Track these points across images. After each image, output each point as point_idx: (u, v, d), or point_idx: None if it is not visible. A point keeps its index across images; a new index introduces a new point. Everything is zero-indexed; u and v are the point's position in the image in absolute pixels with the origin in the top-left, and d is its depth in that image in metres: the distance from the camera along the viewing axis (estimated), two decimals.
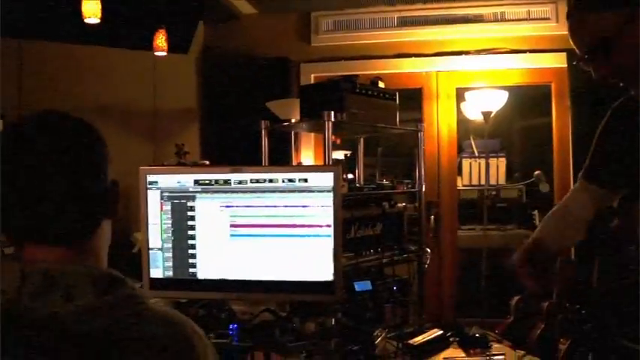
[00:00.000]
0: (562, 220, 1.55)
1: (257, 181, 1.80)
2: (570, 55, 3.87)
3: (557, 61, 3.96)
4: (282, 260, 1.79)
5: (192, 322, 0.91)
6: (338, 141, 4.51)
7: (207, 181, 1.83)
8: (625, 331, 1.20)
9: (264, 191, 1.79)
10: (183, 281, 1.84)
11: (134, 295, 0.88)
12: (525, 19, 4.09)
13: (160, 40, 3.60)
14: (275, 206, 1.79)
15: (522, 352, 3.41)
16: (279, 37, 4.39)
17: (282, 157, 3.89)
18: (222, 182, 1.82)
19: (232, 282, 1.82)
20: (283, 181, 1.78)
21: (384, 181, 2.68)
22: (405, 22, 4.21)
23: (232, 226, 1.82)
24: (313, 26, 4.33)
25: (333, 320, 1.98)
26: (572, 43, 1.33)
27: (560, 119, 4.08)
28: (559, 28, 3.93)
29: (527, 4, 4.06)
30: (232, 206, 1.82)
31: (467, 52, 4.14)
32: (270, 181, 1.79)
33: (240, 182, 1.81)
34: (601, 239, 1.21)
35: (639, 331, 1.17)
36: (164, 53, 3.68)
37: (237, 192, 1.81)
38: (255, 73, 4.22)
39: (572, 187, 3.99)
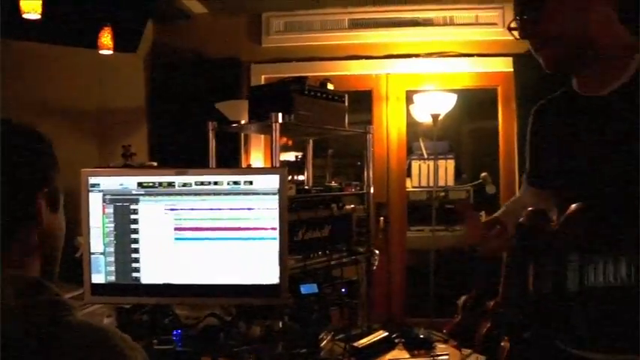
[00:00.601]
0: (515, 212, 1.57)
1: (202, 183, 1.78)
2: (516, 59, 3.98)
3: (504, 65, 4.06)
4: (227, 264, 1.77)
5: (118, 330, 0.89)
6: (290, 142, 4.50)
7: (150, 184, 1.80)
8: (561, 335, 1.22)
9: (209, 194, 1.77)
10: (126, 286, 1.80)
11: (57, 302, 0.86)
12: (474, 24, 4.17)
13: (106, 38, 3.52)
14: (220, 209, 1.77)
15: (469, 350, 3.49)
16: (230, 38, 4.35)
17: (231, 159, 3.85)
18: (166, 185, 1.79)
19: (177, 286, 1.79)
20: (228, 184, 1.76)
21: (333, 183, 2.67)
22: (356, 25, 4.23)
23: (177, 229, 1.79)
24: (264, 27, 4.31)
25: (279, 323, 1.97)
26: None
27: (506, 122, 4.18)
28: (506, 34, 3.97)
29: (476, 9, 4.15)
30: (177, 209, 1.79)
31: (416, 55, 4.19)
32: (216, 183, 1.77)
33: (184, 185, 1.78)
34: (535, 242, 1.23)
35: (575, 335, 1.20)
36: (110, 52, 3.59)
37: (181, 195, 1.79)
38: (205, 73, 4.17)
39: (517, 188, 4.13)
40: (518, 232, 1.26)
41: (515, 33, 1.31)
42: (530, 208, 1.39)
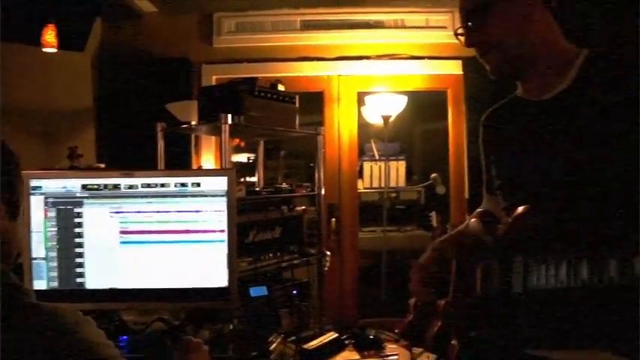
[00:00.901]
0: None
1: (148, 185, 1.75)
2: (465, 62, 4.05)
3: (454, 68, 4.12)
4: (175, 267, 1.75)
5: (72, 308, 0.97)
6: (242, 144, 4.47)
7: (95, 186, 1.76)
8: (505, 334, 1.24)
9: (155, 196, 1.74)
10: (70, 292, 1.75)
11: (12, 285, 0.91)
12: (424, 27, 4.23)
13: (50, 35, 3.41)
14: (167, 212, 1.74)
15: (420, 349, 3.53)
16: (181, 38, 4.28)
17: (182, 161, 3.80)
18: (111, 187, 1.75)
19: (123, 291, 1.75)
20: (176, 186, 1.74)
21: (284, 185, 2.67)
22: (308, 26, 4.23)
23: (122, 232, 1.75)
24: (215, 27, 4.27)
25: (229, 327, 1.95)
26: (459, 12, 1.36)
27: (455, 124, 4.25)
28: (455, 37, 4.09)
29: (426, 12, 4.20)
30: (122, 212, 1.75)
31: (368, 57, 4.22)
32: (163, 185, 1.74)
33: (130, 187, 1.75)
34: (481, 244, 1.26)
35: (519, 335, 1.23)
36: (54, 50, 3.49)
37: (127, 197, 1.75)
38: (155, 73, 4.10)
39: (466, 188, 4.20)
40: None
41: (462, 39, 1.34)
42: (477, 210, 1.42)
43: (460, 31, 1.35)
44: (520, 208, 1.18)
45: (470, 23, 1.30)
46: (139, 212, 1.74)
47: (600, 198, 1.16)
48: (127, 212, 1.75)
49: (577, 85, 1.23)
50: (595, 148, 1.16)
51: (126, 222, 1.75)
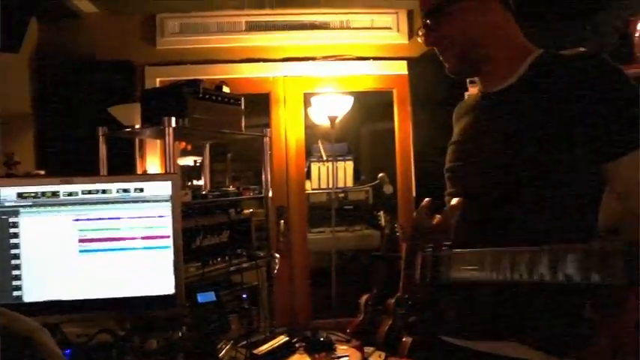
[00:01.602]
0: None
1: (89, 192, 1.69)
2: (410, 63, 4.10)
3: (399, 68, 4.16)
4: (119, 276, 1.70)
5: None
6: (189, 147, 4.39)
7: (32, 194, 1.69)
8: (437, 324, 1.27)
9: (97, 203, 1.69)
10: (6, 307, 1.67)
11: None
12: (369, 28, 4.25)
13: None
14: (110, 218, 1.69)
15: (372, 348, 3.56)
16: (123, 39, 4.17)
17: (127, 166, 3.71)
18: (49, 195, 1.69)
19: (64, 303, 1.69)
20: (118, 192, 1.69)
21: (231, 188, 2.63)
22: (253, 27, 4.20)
23: (63, 241, 1.69)
24: (159, 29, 4.18)
25: (177, 335, 1.91)
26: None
27: (402, 124, 4.29)
28: (400, 38, 4.15)
29: (371, 13, 4.23)
30: (62, 220, 1.69)
31: (313, 58, 4.21)
32: (104, 192, 1.68)
33: (70, 194, 1.69)
34: (422, 234, 1.28)
35: (447, 324, 1.26)
36: None
37: (67, 205, 1.69)
38: (96, 76, 3.98)
39: (413, 188, 4.25)
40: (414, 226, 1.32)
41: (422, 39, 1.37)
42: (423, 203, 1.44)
43: (421, 32, 1.38)
44: (453, 201, 1.21)
45: (429, 22, 1.33)
46: (79, 220, 1.68)
47: (532, 193, 1.19)
48: (68, 220, 1.68)
49: (521, 82, 1.28)
50: (529, 144, 1.19)
51: (66, 230, 1.69)
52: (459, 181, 1.38)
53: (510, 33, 1.34)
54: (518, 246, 1.09)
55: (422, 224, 1.29)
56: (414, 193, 4.15)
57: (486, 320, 1.22)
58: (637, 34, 3.35)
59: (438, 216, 1.27)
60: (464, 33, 1.30)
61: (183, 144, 4.12)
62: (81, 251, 1.68)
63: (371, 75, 4.28)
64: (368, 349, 3.50)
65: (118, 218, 1.68)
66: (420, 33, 1.37)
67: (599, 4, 3.69)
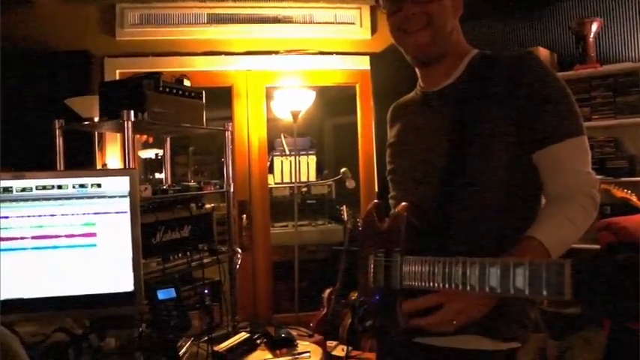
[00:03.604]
0: None
1: (44, 187, 1.64)
2: (373, 58, 4.12)
3: (362, 63, 4.18)
4: (77, 273, 1.65)
5: None
6: (150, 140, 4.32)
7: None
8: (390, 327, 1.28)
9: (51, 199, 1.64)
10: None
11: None
12: (333, 23, 4.25)
13: None
14: (66, 214, 1.64)
15: (335, 342, 3.58)
16: (81, 29, 4.06)
17: (86, 160, 3.63)
18: (1, 190, 1.63)
19: (19, 302, 1.64)
20: (74, 187, 1.64)
21: (192, 182, 2.60)
22: (216, 20, 4.15)
23: (16, 239, 1.64)
24: (118, 19, 4.09)
25: (137, 332, 1.88)
26: None
27: (364, 118, 4.31)
28: (363, 33, 4.16)
29: (335, 8, 4.22)
30: (15, 217, 1.63)
31: (276, 52, 4.19)
32: (60, 187, 1.64)
33: (24, 190, 1.63)
34: (373, 239, 1.28)
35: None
36: None
37: (20, 201, 1.63)
38: (53, 66, 3.87)
39: (375, 182, 4.27)
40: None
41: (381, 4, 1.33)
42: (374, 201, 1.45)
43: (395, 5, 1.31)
44: (400, 205, 1.22)
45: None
46: (34, 216, 1.63)
47: (472, 193, 1.21)
48: (22, 217, 1.63)
49: (459, 82, 1.30)
50: (468, 144, 1.21)
51: (21, 227, 1.63)
52: (401, 184, 1.39)
53: (460, 32, 1.36)
54: (461, 246, 1.12)
55: (372, 228, 1.29)
56: (376, 188, 4.18)
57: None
58: (591, 36, 3.43)
59: (387, 219, 1.27)
60: (445, 18, 1.29)
61: (145, 137, 4.05)
62: (35, 248, 1.64)
63: (334, 70, 4.28)
64: (331, 344, 3.51)
65: (75, 214, 1.64)
66: (388, 5, 1.31)
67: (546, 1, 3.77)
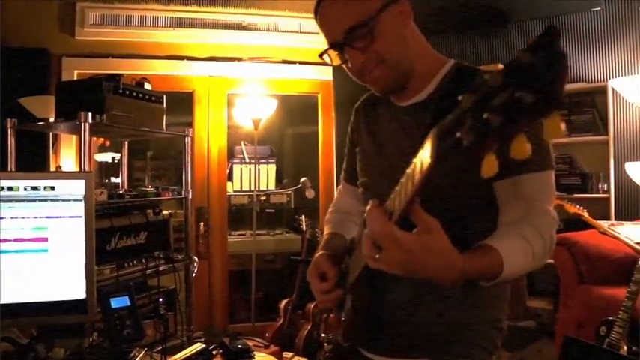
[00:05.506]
0: (339, 217, 1.60)
1: None
2: (336, 69, 4.12)
3: (325, 73, 4.20)
4: (26, 279, 1.59)
5: None
6: (107, 143, 4.23)
7: None
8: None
9: (2, 201, 1.57)
10: None
11: None
12: (297, 32, 4.25)
13: None
14: (15, 218, 1.58)
15: (291, 353, 3.54)
16: (38, 26, 3.96)
17: (40, 161, 3.53)
18: None
19: None
20: (26, 190, 1.58)
21: (149, 188, 2.54)
22: (179, 24, 4.10)
23: None
24: (78, 18, 4.00)
25: (87, 342, 1.82)
26: (324, 31, 1.29)
27: (325, 128, 4.32)
28: (327, 43, 4.16)
29: (299, 17, 4.23)
30: None
31: (239, 59, 4.17)
32: (10, 189, 1.58)
33: None
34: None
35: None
36: None
37: None
38: (7, 63, 3.75)
39: (335, 193, 4.28)
40: None
41: (331, 59, 1.30)
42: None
43: (332, 53, 1.28)
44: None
45: (352, 43, 1.24)
46: None
47: (437, 210, 1.20)
48: None
49: (433, 94, 1.27)
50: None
51: None
52: (372, 188, 1.36)
53: (425, 45, 1.31)
54: None
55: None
56: (336, 195, 4.17)
57: (396, 339, 1.25)
58: None
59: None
60: (392, 46, 1.23)
61: (102, 139, 3.96)
62: None
63: (296, 79, 4.28)
64: (287, 355, 3.48)
65: (25, 218, 1.57)
66: (337, 59, 1.27)
67: (506, 18, 3.86)
